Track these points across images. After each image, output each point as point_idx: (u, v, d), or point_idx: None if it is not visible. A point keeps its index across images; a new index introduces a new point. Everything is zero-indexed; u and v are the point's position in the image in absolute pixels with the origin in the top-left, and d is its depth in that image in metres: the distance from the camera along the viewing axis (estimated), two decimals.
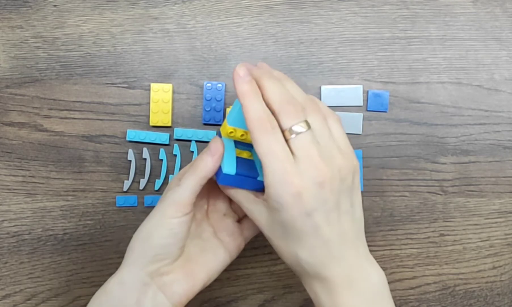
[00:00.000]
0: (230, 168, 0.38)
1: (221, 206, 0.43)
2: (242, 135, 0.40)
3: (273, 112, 0.34)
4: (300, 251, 0.35)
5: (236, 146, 0.40)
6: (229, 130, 0.39)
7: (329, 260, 0.35)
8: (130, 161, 0.49)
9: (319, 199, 0.33)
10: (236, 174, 0.38)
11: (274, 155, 0.33)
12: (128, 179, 0.49)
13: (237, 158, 0.39)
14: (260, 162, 0.36)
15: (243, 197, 0.38)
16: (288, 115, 0.34)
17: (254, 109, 0.34)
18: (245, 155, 0.40)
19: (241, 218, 0.43)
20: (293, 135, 0.33)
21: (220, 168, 0.38)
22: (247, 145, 0.41)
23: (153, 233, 0.37)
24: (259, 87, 0.35)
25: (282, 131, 0.34)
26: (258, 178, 0.39)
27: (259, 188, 0.39)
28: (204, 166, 0.38)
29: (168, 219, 0.37)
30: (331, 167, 0.34)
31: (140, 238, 0.38)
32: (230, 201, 0.43)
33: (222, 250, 0.41)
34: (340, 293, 0.35)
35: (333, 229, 0.34)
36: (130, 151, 0.49)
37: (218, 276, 0.49)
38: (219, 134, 0.40)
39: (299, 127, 0.34)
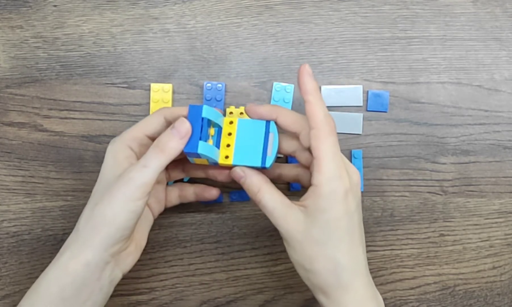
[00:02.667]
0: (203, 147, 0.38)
1: None
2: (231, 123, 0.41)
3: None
4: (340, 254, 0.36)
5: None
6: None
7: (363, 268, 0.38)
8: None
9: (358, 201, 0.37)
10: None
11: (335, 155, 0.36)
12: None
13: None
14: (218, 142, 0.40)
15: (278, 202, 0.38)
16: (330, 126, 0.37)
17: (321, 109, 0.37)
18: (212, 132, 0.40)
19: (169, 184, 0.45)
20: None
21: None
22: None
23: (119, 216, 0.37)
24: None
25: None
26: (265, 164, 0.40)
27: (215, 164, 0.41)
28: (173, 148, 0.37)
29: (134, 201, 0.37)
30: (358, 171, 0.39)
31: (106, 221, 0.37)
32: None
33: (150, 214, 0.44)
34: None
35: (362, 233, 0.38)
36: None
37: (218, 277, 0.50)
38: (194, 109, 0.39)
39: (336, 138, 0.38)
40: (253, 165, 0.40)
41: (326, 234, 0.36)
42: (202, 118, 0.38)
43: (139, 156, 0.40)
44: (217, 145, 0.41)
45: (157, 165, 0.37)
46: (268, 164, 0.39)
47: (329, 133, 0.36)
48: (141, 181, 0.37)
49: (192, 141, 0.38)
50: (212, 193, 0.44)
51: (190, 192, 0.45)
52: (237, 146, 0.40)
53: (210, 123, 0.40)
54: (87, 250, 0.37)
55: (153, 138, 0.39)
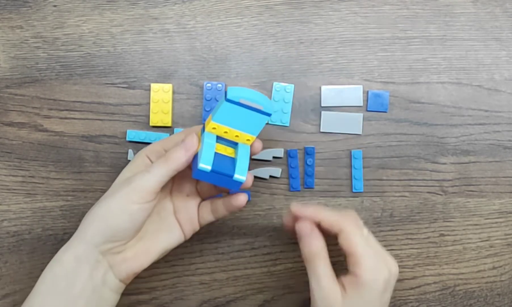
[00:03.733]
0: (206, 164, 0.38)
1: (186, 186, 0.43)
2: (225, 132, 0.40)
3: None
4: None
5: (220, 142, 0.40)
6: (212, 126, 0.39)
7: None
8: (130, 161, 0.49)
9: (391, 286, 0.40)
10: (212, 170, 0.38)
11: (369, 246, 0.39)
12: None
13: (217, 153, 0.39)
14: (243, 161, 0.39)
15: (327, 277, 0.39)
16: (357, 219, 0.41)
17: (332, 215, 0.41)
18: (228, 151, 0.40)
19: (202, 200, 0.44)
20: (366, 234, 0.40)
21: (196, 161, 0.38)
22: (233, 143, 0.41)
23: (112, 214, 0.38)
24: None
25: None
26: (234, 177, 0.39)
27: (232, 187, 0.40)
28: (177, 159, 0.38)
29: (130, 204, 0.37)
30: (395, 261, 0.41)
31: (99, 217, 0.38)
32: (196, 182, 0.43)
33: (178, 230, 0.42)
34: None
35: None
36: (130, 151, 0.49)
37: (218, 277, 0.50)
38: (203, 128, 0.40)
39: (365, 230, 0.41)
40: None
41: None
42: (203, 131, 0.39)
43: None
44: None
45: (159, 172, 0.38)
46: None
47: (355, 229, 0.40)
48: (140, 185, 0.38)
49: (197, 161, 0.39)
50: (240, 199, 0.42)
51: (220, 204, 0.43)
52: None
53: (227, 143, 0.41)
54: (79, 243, 0.38)
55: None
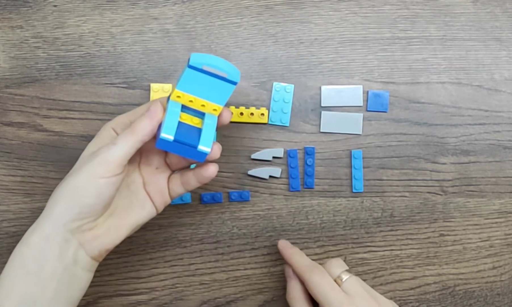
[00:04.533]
0: (168, 133, 0.36)
1: (154, 159, 0.42)
2: (190, 101, 0.38)
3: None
4: None
5: (186, 112, 0.39)
6: (177, 94, 0.38)
7: None
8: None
9: None
10: (174, 140, 0.37)
11: (328, 292, 0.40)
12: None
13: (182, 123, 0.38)
14: (208, 131, 0.38)
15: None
16: (333, 266, 0.43)
17: (304, 260, 0.44)
18: (194, 121, 0.39)
19: (172, 173, 0.43)
20: (343, 280, 0.41)
21: (160, 131, 0.37)
22: (199, 113, 0.39)
23: (79, 190, 0.36)
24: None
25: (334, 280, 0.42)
26: (198, 148, 0.37)
27: (197, 159, 0.38)
28: (142, 129, 0.37)
29: (96, 178, 0.36)
30: (379, 304, 0.41)
31: (65, 193, 0.37)
32: (165, 154, 0.42)
33: (149, 204, 0.42)
34: None
35: None
36: None
37: (218, 277, 0.50)
38: (168, 97, 0.39)
39: (346, 274, 0.42)
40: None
41: None
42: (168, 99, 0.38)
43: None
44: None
45: (125, 144, 0.36)
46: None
47: (320, 275, 0.41)
48: (106, 158, 0.36)
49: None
50: (210, 169, 0.40)
51: (190, 176, 0.41)
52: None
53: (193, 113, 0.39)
54: (46, 223, 0.37)
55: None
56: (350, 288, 0.41)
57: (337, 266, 0.43)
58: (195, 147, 0.37)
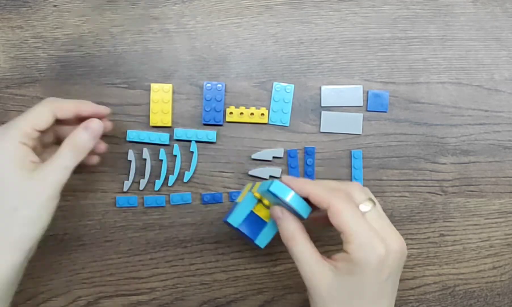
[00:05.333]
0: (235, 222, 0.43)
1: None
2: (267, 206, 0.43)
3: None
4: None
5: (260, 203, 0.43)
6: (257, 195, 0.43)
7: None
8: (130, 161, 0.49)
9: (397, 266, 0.37)
10: (237, 228, 0.43)
11: (361, 222, 0.36)
12: (128, 179, 0.49)
13: (252, 213, 0.43)
14: (271, 227, 0.43)
15: (307, 255, 0.37)
16: (357, 194, 0.38)
17: (323, 188, 0.37)
18: (263, 213, 0.43)
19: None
20: (366, 211, 0.37)
21: (233, 208, 0.44)
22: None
23: (37, 215, 0.38)
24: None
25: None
26: (256, 241, 0.43)
27: (250, 242, 0.43)
28: (88, 148, 0.41)
29: (53, 200, 0.39)
30: (401, 239, 0.37)
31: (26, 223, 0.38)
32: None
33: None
34: None
35: (391, 298, 0.38)
36: (130, 151, 0.49)
37: (218, 277, 0.50)
38: (251, 187, 0.44)
39: (369, 204, 0.37)
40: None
41: (352, 297, 0.36)
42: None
43: (34, 149, 0.40)
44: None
45: (75, 164, 0.40)
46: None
47: (343, 205, 0.36)
48: (62, 181, 0.39)
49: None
50: (94, 159, 0.45)
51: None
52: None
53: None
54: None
55: (42, 131, 0.40)
56: (372, 221, 0.37)
57: (361, 191, 0.38)
58: (253, 240, 0.43)
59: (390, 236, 0.37)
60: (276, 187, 0.38)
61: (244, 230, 0.43)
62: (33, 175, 0.38)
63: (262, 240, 0.43)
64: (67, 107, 0.41)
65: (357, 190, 0.38)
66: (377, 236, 0.35)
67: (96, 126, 0.41)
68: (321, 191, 0.37)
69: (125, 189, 0.49)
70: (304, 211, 0.39)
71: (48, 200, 0.38)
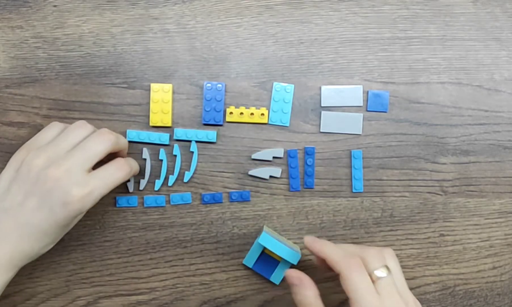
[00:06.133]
0: (248, 263, 0.49)
1: None
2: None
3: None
4: None
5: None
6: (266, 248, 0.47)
7: None
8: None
9: None
10: (252, 268, 0.49)
11: (364, 291, 0.38)
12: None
13: (264, 254, 0.49)
14: (284, 265, 0.48)
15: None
16: (372, 260, 0.40)
17: (338, 250, 0.41)
18: (275, 255, 0.48)
19: None
20: (379, 277, 0.39)
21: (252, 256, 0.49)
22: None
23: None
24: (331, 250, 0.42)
25: (369, 274, 0.39)
26: (270, 278, 0.49)
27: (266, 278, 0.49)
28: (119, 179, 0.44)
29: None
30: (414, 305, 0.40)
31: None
32: None
33: None
34: None
35: None
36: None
37: (218, 277, 0.50)
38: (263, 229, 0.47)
39: (383, 271, 0.39)
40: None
41: None
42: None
43: None
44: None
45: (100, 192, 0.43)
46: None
47: (353, 274, 0.38)
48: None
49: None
50: None
51: None
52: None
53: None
54: None
55: None
56: (384, 288, 0.39)
57: (376, 259, 0.40)
58: (268, 278, 0.49)
59: (410, 298, 0.40)
60: (263, 239, 0.45)
61: (258, 270, 0.49)
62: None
63: (277, 277, 0.49)
64: (119, 146, 0.44)
65: (374, 256, 0.40)
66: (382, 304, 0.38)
67: (134, 165, 0.46)
68: (336, 255, 0.40)
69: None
70: (293, 259, 0.46)
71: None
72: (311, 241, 0.43)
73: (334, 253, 0.41)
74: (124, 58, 0.49)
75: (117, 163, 0.43)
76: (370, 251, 0.41)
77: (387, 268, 0.40)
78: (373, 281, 0.39)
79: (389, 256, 0.42)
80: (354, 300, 0.38)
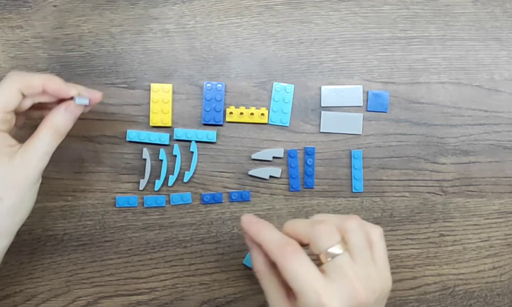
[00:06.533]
0: (249, 261, 0.48)
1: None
2: None
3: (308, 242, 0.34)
4: None
5: None
6: None
7: None
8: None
9: None
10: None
11: (303, 279, 0.32)
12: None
13: None
14: None
15: (273, 292, 0.35)
16: (321, 238, 0.34)
17: (273, 236, 0.34)
18: None
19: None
20: (329, 258, 0.33)
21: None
22: None
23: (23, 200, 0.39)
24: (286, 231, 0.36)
25: (317, 256, 0.33)
26: None
27: None
28: (68, 128, 0.41)
29: (35, 183, 0.39)
30: (366, 290, 0.33)
31: None
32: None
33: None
34: None
35: None
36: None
37: (218, 277, 0.50)
38: None
39: (336, 249, 0.33)
40: None
41: None
42: None
43: (7, 131, 0.39)
44: None
45: (55, 148, 0.40)
46: None
47: (287, 258, 0.33)
48: (43, 166, 0.39)
49: None
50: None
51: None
52: None
53: None
54: None
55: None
56: (336, 269, 0.33)
57: (327, 235, 0.34)
58: None
59: (366, 281, 0.33)
60: (248, 261, 0.48)
61: None
62: (13, 162, 0.37)
63: None
64: (33, 82, 0.39)
65: (326, 232, 0.34)
66: (326, 293, 0.32)
67: (77, 108, 0.41)
68: (270, 242, 0.34)
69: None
70: None
71: (31, 185, 0.38)
72: (248, 220, 0.36)
73: (269, 239, 0.34)
74: (124, 58, 0.49)
75: None
76: (319, 228, 0.34)
77: (345, 243, 0.34)
78: (324, 262, 0.33)
79: (354, 226, 0.35)
80: (296, 292, 0.32)
